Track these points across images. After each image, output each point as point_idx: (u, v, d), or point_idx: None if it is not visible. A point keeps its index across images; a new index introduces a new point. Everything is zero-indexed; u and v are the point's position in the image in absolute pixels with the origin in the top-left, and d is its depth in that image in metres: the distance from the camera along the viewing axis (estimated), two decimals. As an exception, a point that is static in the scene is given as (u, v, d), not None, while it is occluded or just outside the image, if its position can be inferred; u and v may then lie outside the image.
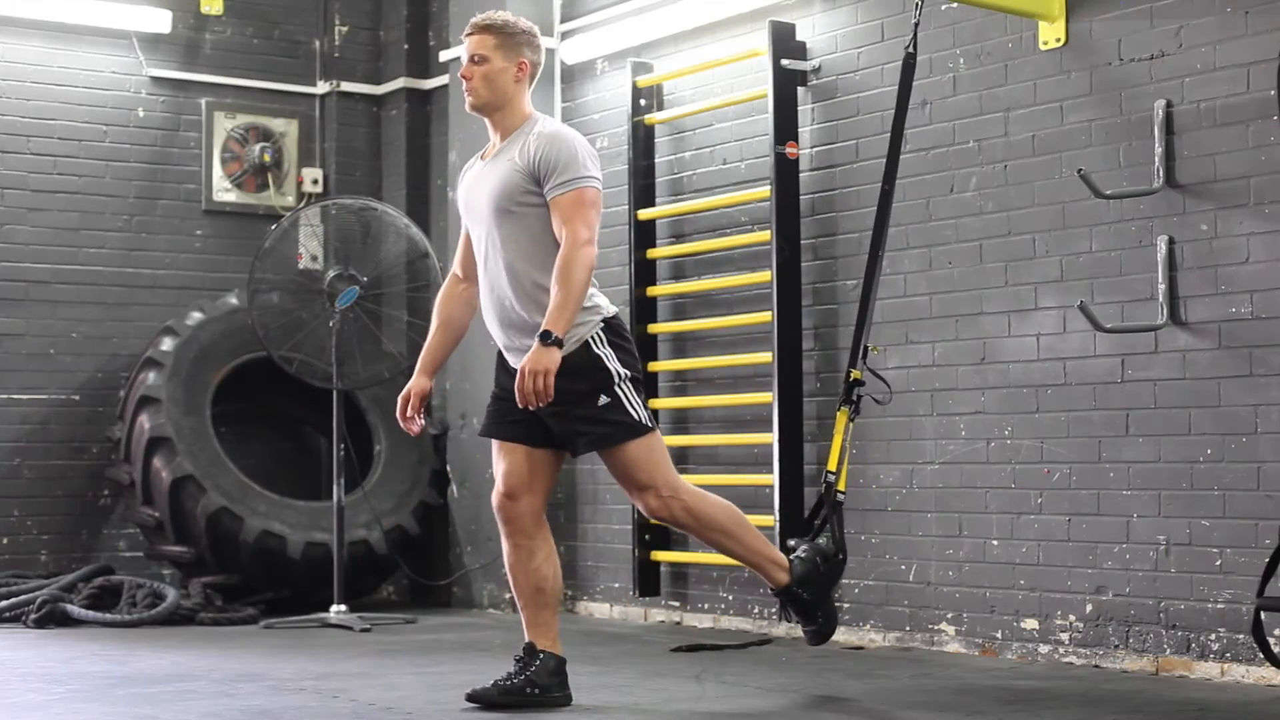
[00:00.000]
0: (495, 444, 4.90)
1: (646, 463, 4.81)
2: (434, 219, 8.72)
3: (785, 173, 6.76)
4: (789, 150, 6.77)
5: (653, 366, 7.39)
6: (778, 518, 6.63)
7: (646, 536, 7.26)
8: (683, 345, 7.41)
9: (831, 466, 5.31)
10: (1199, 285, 5.49)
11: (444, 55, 8.45)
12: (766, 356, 6.78)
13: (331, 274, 7.70)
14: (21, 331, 8.21)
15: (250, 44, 8.87)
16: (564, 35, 8.05)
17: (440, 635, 6.95)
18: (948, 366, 6.26)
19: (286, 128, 8.94)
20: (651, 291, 7.44)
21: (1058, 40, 5.92)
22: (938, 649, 6.23)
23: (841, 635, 6.28)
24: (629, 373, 4.79)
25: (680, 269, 7.46)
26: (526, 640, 4.85)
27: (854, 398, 5.41)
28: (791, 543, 5.24)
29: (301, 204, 8.77)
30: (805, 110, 6.83)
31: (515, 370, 4.70)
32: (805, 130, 6.82)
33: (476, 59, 4.84)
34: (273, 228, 7.92)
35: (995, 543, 6.08)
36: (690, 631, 7.02)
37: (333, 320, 7.56)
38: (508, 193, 4.74)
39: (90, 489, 8.31)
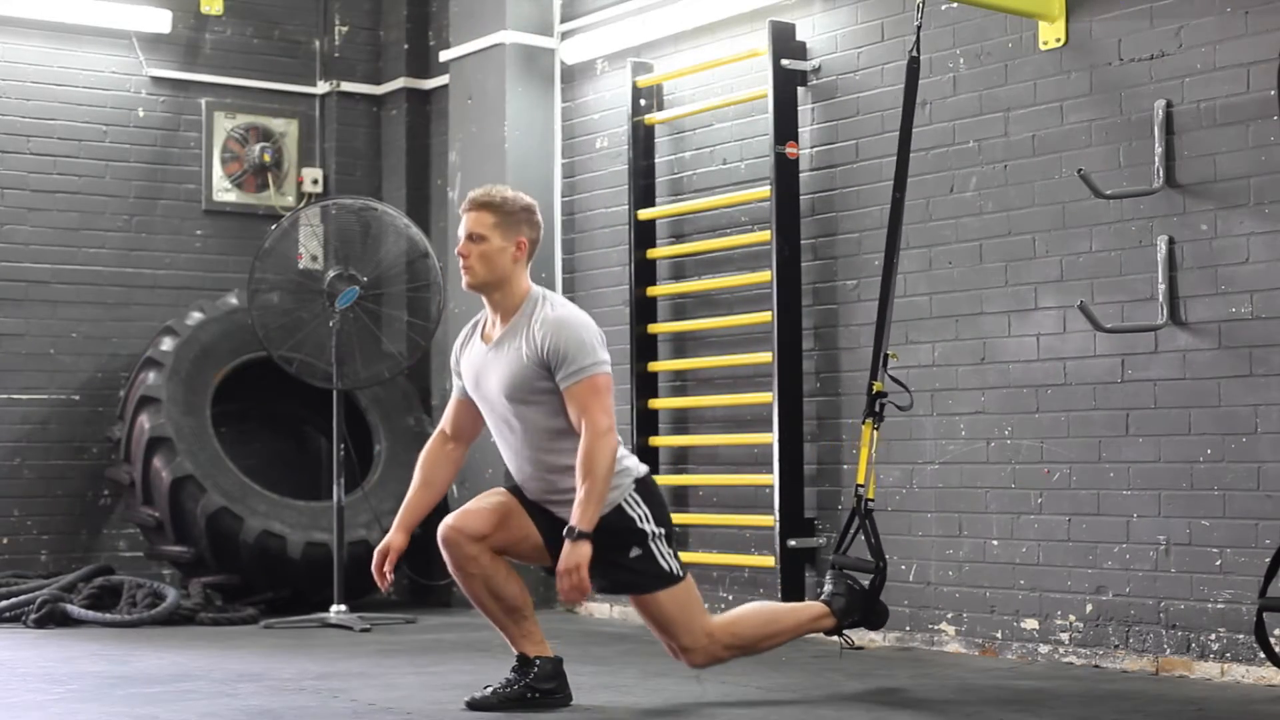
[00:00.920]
0: (502, 494, 4.87)
1: (681, 615, 4.83)
2: (434, 219, 8.71)
3: (785, 173, 6.76)
4: (789, 150, 6.77)
5: (653, 366, 7.40)
6: (778, 518, 6.63)
7: (646, 536, 7.25)
8: (683, 345, 7.41)
9: (860, 479, 5.44)
10: (1199, 285, 5.48)
11: (444, 55, 8.44)
12: (766, 356, 6.78)
13: (331, 274, 7.69)
14: (21, 331, 8.21)
15: (250, 44, 8.87)
16: (564, 35, 8.04)
17: (440, 635, 6.94)
18: (948, 366, 6.26)
19: (286, 128, 8.94)
20: (651, 291, 7.43)
21: (1058, 40, 5.92)
22: (938, 649, 6.23)
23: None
24: (662, 530, 4.81)
25: (680, 269, 7.46)
26: (516, 653, 4.83)
27: (877, 409, 5.46)
28: (825, 589, 5.29)
29: (301, 204, 8.77)
30: (805, 110, 6.83)
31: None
32: (805, 130, 6.82)
33: (474, 237, 4.74)
34: (273, 228, 7.91)
35: (995, 543, 6.08)
36: (690, 631, 7.01)
37: (333, 320, 7.55)
38: (521, 385, 4.71)
39: (90, 489, 8.31)
